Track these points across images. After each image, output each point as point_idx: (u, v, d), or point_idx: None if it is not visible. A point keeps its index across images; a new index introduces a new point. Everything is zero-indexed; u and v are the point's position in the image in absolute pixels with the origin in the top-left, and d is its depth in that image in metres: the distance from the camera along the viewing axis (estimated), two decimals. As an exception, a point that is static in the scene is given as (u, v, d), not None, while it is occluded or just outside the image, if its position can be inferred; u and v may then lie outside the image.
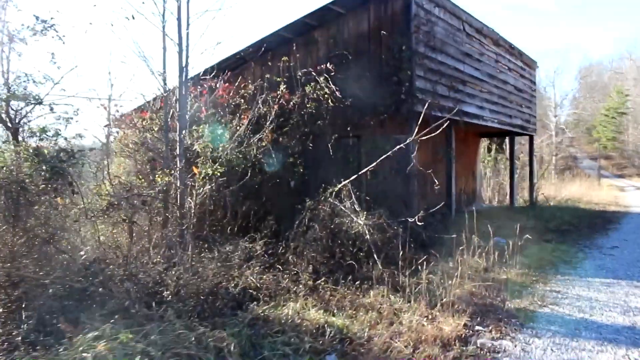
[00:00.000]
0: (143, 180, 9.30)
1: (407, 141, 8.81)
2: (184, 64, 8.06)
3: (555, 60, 78.01)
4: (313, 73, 10.10)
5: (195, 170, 7.72)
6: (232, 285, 6.26)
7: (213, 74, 9.84)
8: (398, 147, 8.65)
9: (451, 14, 11.23)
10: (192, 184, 8.12)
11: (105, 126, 13.80)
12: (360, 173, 8.61)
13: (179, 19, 7.89)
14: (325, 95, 9.86)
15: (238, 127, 9.80)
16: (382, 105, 9.92)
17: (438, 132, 10.29)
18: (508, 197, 16.39)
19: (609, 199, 22.48)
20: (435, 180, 9.30)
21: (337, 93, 9.78)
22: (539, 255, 8.57)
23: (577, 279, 7.19)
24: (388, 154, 8.53)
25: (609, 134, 66.44)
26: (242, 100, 10.67)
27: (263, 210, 9.78)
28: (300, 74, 10.32)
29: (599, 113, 69.53)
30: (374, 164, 8.44)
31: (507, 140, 18.33)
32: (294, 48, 11.35)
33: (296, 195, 9.75)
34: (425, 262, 7.71)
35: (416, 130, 9.56)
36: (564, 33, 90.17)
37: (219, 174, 8.11)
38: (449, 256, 7.95)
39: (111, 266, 6.11)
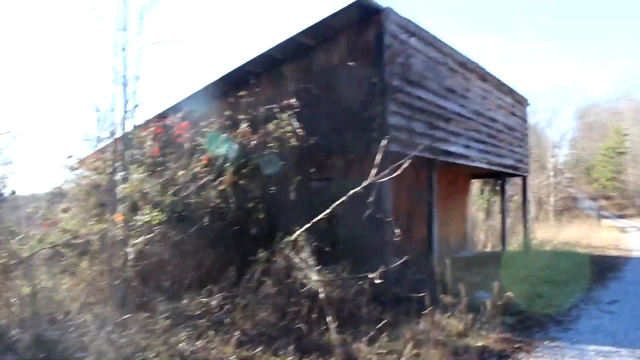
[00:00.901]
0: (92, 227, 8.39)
1: (363, 183, 7.82)
2: (127, 101, 7.31)
3: (552, 101, 77.70)
4: (275, 109, 9.24)
5: (118, 218, 6.74)
6: (153, 355, 5.22)
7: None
8: (357, 189, 7.66)
9: (431, 46, 10.43)
10: (129, 232, 7.21)
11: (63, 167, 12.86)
12: (315, 220, 7.60)
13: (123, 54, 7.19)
14: (288, 134, 8.96)
15: (198, 169, 8.96)
16: (351, 144, 9.02)
17: (418, 174, 9.40)
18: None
19: (609, 242, 21.40)
20: (407, 227, 8.27)
21: (301, 131, 8.88)
22: (527, 313, 7.49)
23: (568, 345, 6.11)
24: (344, 199, 7.52)
25: (608, 173, 65.57)
26: (204, 140, 9.80)
27: (224, 259, 8.81)
28: (262, 110, 9.47)
29: (597, 153, 68.88)
30: (329, 209, 7.48)
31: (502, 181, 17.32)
32: (262, 83, 10.58)
33: (259, 244, 8.79)
34: (392, 323, 6.71)
35: (389, 171, 8.70)
36: (560, 73, 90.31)
37: (156, 221, 7.15)
38: (423, 315, 6.88)
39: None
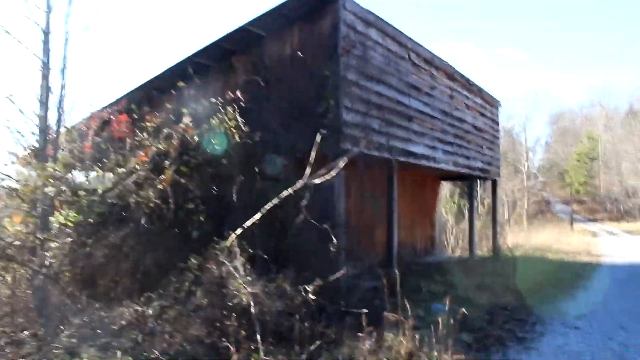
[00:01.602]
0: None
1: (298, 182, 7.13)
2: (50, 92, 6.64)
3: (526, 107, 78.22)
4: (220, 103, 8.49)
5: (16, 219, 5.96)
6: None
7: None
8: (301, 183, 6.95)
9: (392, 39, 9.77)
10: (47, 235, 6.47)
11: None
12: (249, 224, 6.89)
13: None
14: (232, 130, 8.21)
15: (137, 167, 8.23)
16: (302, 141, 8.30)
17: (379, 175, 8.72)
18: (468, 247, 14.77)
19: (580, 247, 21.01)
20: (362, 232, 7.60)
21: (247, 126, 8.14)
22: (487, 329, 6.83)
23: (528, 368, 5.47)
24: (275, 201, 6.82)
25: (580, 178, 66.06)
26: (146, 135, 9.01)
27: (165, 264, 8.05)
28: (206, 104, 8.72)
29: (571, 158, 69.36)
30: (259, 213, 6.77)
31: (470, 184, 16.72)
32: (211, 76, 9.84)
33: (201, 248, 8.05)
34: (334, 341, 6.01)
35: (343, 172, 8.03)
36: (534, 80, 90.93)
37: (72, 222, 6.39)
38: (373, 330, 6.17)
39: None
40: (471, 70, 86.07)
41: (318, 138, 7.11)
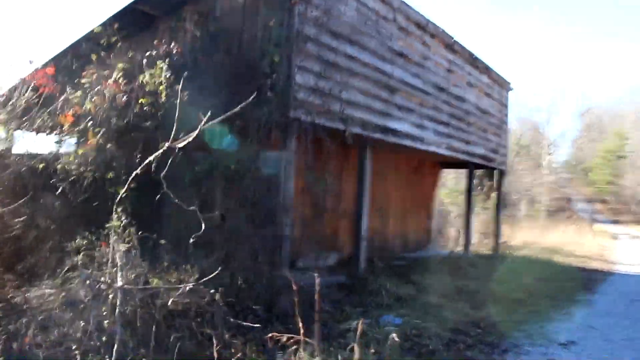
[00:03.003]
0: None
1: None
2: None
3: (552, 99, 75.41)
4: (154, 57, 7.08)
5: None
6: None
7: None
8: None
9: (372, -7, 8.23)
10: None
11: None
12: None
13: None
14: (161, 88, 6.78)
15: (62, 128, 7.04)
16: (246, 107, 6.82)
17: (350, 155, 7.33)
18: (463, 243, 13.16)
19: (595, 251, 19.24)
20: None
21: (177, 86, 6.70)
22: (441, 355, 5.27)
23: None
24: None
25: (606, 177, 63.42)
26: (78, 93, 7.64)
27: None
28: (140, 59, 7.32)
29: (597, 155, 66.67)
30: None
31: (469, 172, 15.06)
32: (159, 29, 8.42)
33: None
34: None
35: (294, 146, 6.60)
36: (563, 71, 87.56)
37: None
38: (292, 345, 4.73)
39: None
40: (493, 54, 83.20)
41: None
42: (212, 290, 5.17)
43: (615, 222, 53.45)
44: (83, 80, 7.56)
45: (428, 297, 7.57)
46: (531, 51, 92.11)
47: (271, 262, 6.45)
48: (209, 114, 6.12)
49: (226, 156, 6.47)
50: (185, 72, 6.87)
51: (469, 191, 12.91)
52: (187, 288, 4.97)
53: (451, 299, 7.65)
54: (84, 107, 7.23)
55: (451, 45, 10.87)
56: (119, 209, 5.47)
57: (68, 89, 7.98)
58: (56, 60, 9.22)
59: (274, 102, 6.55)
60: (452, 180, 24.39)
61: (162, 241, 5.55)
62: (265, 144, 6.61)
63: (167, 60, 6.94)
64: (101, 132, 7.22)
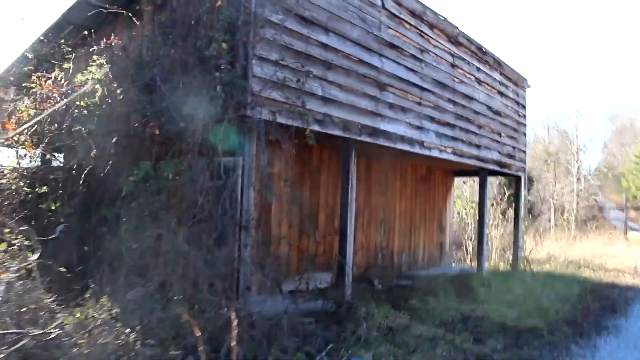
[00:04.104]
0: None
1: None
2: None
3: (580, 102, 73.01)
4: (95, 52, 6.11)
5: None
6: None
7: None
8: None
9: (352, -26, 7.13)
10: None
11: None
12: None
13: None
14: (97, 86, 5.77)
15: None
16: (199, 106, 5.75)
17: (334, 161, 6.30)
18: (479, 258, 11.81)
19: (628, 263, 17.64)
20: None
21: (115, 83, 5.70)
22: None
23: None
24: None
25: (639, 182, 60.98)
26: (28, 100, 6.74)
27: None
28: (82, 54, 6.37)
29: (628, 160, 64.23)
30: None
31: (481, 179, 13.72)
32: (117, 24, 7.48)
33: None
34: None
35: (256, 150, 5.53)
36: (588, 74, 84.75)
37: None
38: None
39: None
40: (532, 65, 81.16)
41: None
42: (127, 330, 4.10)
43: (651, 230, 51.14)
44: (31, 85, 6.68)
45: (423, 328, 6.36)
46: (556, 54, 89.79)
47: (225, 290, 5.33)
48: (147, 114, 5.09)
49: (166, 164, 5.40)
50: (130, 69, 5.92)
51: (482, 201, 11.61)
52: (90, 328, 3.90)
53: (451, 329, 6.43)
54: (23, 114, 6.35)
55: (455, 37, 9.70)
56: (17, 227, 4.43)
57: (12, 95, 7.13)
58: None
59: (226, 99, 5.48)
60: (469, 190, 23.01)
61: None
62: (216, 150, 5.52)
63: (104, 56, 5.96)
64: (38, 140, 6.32)
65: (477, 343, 5.88)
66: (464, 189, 23.01)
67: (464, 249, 16.55)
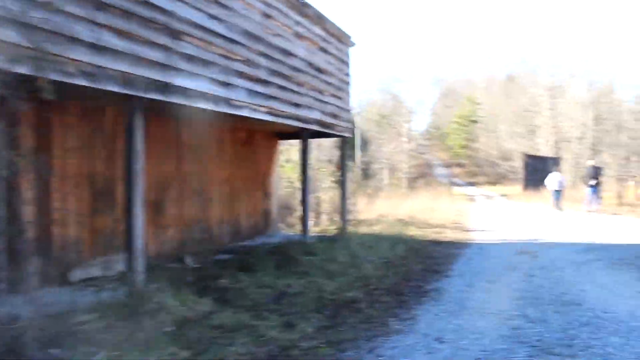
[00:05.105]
0: None
1: None
2: None
3: (408, 68, 76.99)
4: None
5: None
6: None
7: None
8: None
9: None
10: None
11: None
12: None
13: None
14: None
15: None
16: None
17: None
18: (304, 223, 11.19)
19: (452, 217, 18.44)
20: None
21: None
22: None
23: None
24: None
25: (461, 141, 66.06)
26: None
27: None
28: None
29: (452, 121, 69.22)
30: None
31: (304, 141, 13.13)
32: None
33: None
34: None
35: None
36: (414, 42, 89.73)
37: None
38: None
39: None
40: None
41: None
42: None
43: (472, 184, 55.79)
44: None
45: (227, 314, 5.46)
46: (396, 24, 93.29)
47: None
48: None
49: None
50: None
51: (305, 163, 10.95)
52: None
53: (260, 312, 5.59)
54: None
55: (267, -16, 8.72)
56: None
57: None
58: None
59: None
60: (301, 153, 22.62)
61: None
62: None
63: None
64: None
65: (286, 328, 5.09)
66: (295, 152, 22.56)
67: (296, 215, 16.04)
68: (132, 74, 5.75)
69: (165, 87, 6.26)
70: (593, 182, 20.77)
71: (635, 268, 8.33)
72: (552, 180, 22.70)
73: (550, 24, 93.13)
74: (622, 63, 63.29)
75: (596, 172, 21.12)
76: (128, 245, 5.95)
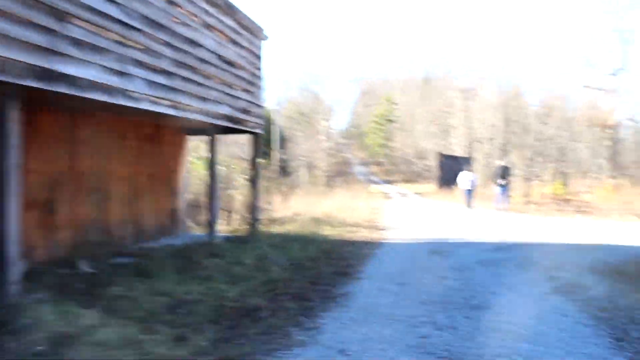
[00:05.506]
0: None
1: None
2: None
3: (327, 67, 77.58)
4: None
5: None
6: None
7: None
8: None
9: None
10: None
11: None
12: None
13: None
14: None
15: None
16: None
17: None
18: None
19: (367, 216, 18.41)
20: None
21: None
22: None
23: None
24: None
25: (379, 140, 67.16)
26: None
27: None
28: None
29: (370, 120, 70.23)
30: None
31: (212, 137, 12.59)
32: None
33: None
34: None
35: None
36: (338, 41, 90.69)
37: None
38: None
39: None
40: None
41: None
42: None
43: (388, 182, 56.75)
44: None
45: (114, 328, 4.91)
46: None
47: None
48: None
49: None
50: None
51: (212, 161, 10.43)
52: None
53: (151, 324, 5.09)
54: None
55: (171, -31, 8.15)
56: None
57: None
58: None
59: None
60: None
61: None
62: None
63: None
64: None
65: (178, 343, 4.63)
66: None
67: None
68: (5, 57, 5.08)
69: (48, 75, 5.60)
70: (502, 181, 21.44)
71: (542, 268, 8.44)
72: (464, 179, 23.21)
73: (466, 29, 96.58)
74: (529, 69, 66.41)
75: (505, 172, 21.80)
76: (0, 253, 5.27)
